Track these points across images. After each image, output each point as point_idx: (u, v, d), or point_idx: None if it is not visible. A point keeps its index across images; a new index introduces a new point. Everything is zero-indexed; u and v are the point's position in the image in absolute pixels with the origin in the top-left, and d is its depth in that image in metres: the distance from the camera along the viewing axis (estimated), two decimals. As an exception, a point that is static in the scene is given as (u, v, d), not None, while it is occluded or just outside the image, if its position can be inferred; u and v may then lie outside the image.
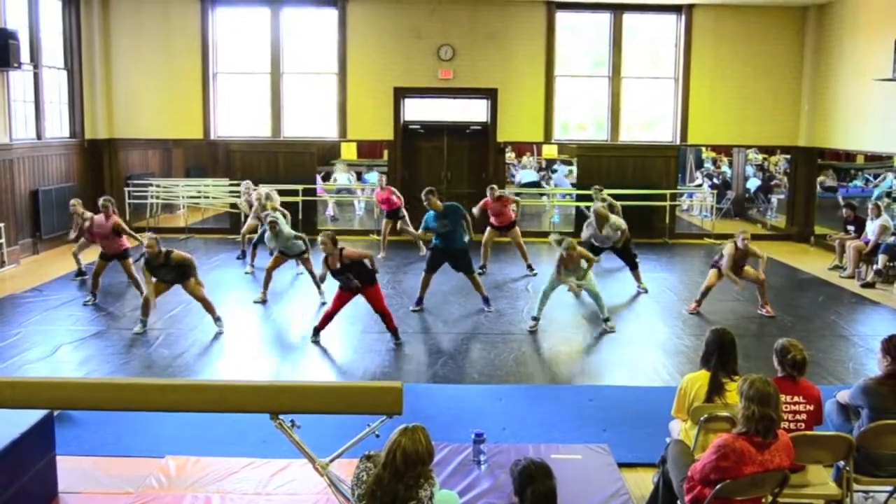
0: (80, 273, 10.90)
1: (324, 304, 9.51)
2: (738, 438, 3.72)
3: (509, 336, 8.48)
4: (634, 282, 10.66)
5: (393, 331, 8.12)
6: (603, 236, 10.28)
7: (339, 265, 7.68)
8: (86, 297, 9.72)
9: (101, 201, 9.80)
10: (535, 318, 8.72)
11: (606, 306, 8.84)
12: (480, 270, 11.28)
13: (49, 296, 9.97)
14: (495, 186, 11.88)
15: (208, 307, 8.50)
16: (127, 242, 9.89)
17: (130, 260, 9.73)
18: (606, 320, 8.73)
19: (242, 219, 13.36)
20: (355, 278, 7.77)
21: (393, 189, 12.95)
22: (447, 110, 15.24)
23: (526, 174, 19.19)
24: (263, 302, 9.76)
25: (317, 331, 8.18)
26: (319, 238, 7.73)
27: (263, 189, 12.20)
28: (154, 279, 8.25)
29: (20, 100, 12.60)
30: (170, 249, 8.22)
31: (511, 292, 10.55)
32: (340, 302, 8.04)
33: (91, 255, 10.86)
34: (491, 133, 14.92)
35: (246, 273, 11.51)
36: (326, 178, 18.13)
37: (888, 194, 15.90)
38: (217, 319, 8.54)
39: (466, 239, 9.51)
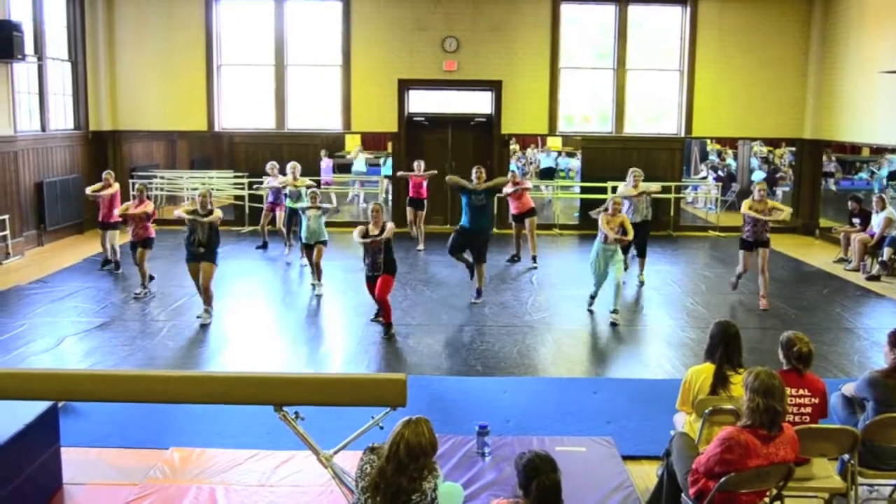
0: (106, 262, 10.95)
1: (320, 296, 9.67)
2: (743, 431, 3.71)
3: (514, 328, 8.47)
4: (637, 270, 10.71)
5: (387, 324, 8.11)
6: (634, 201, 10.44)
7: (378, 232, 7.84)
8: (135, 288, 9.76)
9: (136, 186, 10.15)
10: (592, 297, 8.96)
11: (620, 298, 8.87)
12: (515, 259, 11.89)
13: (54, 287, 9.98)
14: (515, 171, 12.12)
15: (209, 296, 8.54)
16: (153, 231, 9.80)
17: (147, 252, 9.65)
18: (614, 311, 8.69)
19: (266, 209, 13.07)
20: (383, 255, 7.87)
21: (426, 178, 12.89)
22: (451, 102, 15.21)
23: (545, 159, 19.21)
24: (317, 291, 9.87)
25: (378, 315, 8.35)
26: (372, 206, 8.12)
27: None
28: (189, 241, 8.45)
29: (24, 91, 12.60)
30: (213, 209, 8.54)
31: (516, 285, 10.54)
32: (370, 288, 8.20)
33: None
34: (495, 125, 14.88)
35: (286, 254, 12.04)
36: (344, 169, 18.05)
37: (890, 181, 15.81)
38: (207, 310, 8.54)
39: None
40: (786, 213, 9.35)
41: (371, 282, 8.07)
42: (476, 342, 8.02)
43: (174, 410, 5.80)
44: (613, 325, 8.57)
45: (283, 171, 12.32)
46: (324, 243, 9.90)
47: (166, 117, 14.93)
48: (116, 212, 10.25)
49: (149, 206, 9.73)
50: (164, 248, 12.07)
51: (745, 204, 9.26)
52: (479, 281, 9.52)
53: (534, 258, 11.68)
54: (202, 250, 8.40)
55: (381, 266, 7.90)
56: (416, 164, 12.95)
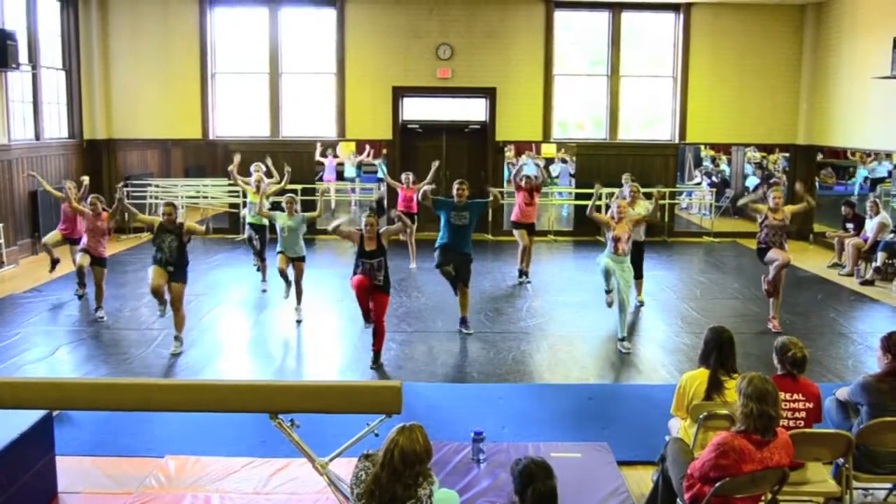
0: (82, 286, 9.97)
1: (300, 321, 8.92)
2: (738, 436, 3.72)
3: (509, 335, 8.47)
4: (635, 292, 9.88)
5: (377, 351, 7.47)
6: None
7: (375, 246, 7.24)
8: (94, 310, 9.13)
9: (89, 200, 9.17)
10: (608, 291, 8.46)
11: (626, 322, 8.15)
12: (524, 278, 11.07)
13: (48, 296, 9.96)
14: (530, 176, 11.41)
15: (180, 321, 7.84)
16: (105, 250, 9.19)
17: (105, 271, 9.11)
18: (622, 339, 8.05)
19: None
20: (381, 271, 7.27)
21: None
22: (446, 109, 15.24)
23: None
24: (298, 317, 9.02)
25: (367, 318, 7.48)
26: (365, 219, 7.28)
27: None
28: (156, 260, 7.65)
29: (18, 100, 12.59)
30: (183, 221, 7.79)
31: (511, 291, 10.54)
32: (363, 289, 7.30)
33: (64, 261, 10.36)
34: (490, 132, 14.93)
35: (264, 291, 10.35)
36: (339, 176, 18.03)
37: (877, 185, 15.84)
38: (177, 337, 7.85)
39: (490, 199, 8.93)
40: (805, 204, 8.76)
41: (366, 280, 7.25)
42: (471, 349, 8.02)
43: (169, 419, 5.78)
44: (626, 353, 7.94)
45: (268, 174, 11.29)
46: (302, 259, 9.01)
47: (161, 126, 14.94)
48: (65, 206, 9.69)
49: (110, 217, 8.95)
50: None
51: (765, 213, 8.62)
52: (463, 308, 8.63)
53: (520, 271, 11.17)
54: (171, 269, 7.66)
55: (380, 281, 7.30)
56: (403, 175, 12.26)
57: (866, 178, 16.78)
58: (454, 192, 8.63)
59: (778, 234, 8.61)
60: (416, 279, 11.12)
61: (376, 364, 7.43)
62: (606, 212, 9.08)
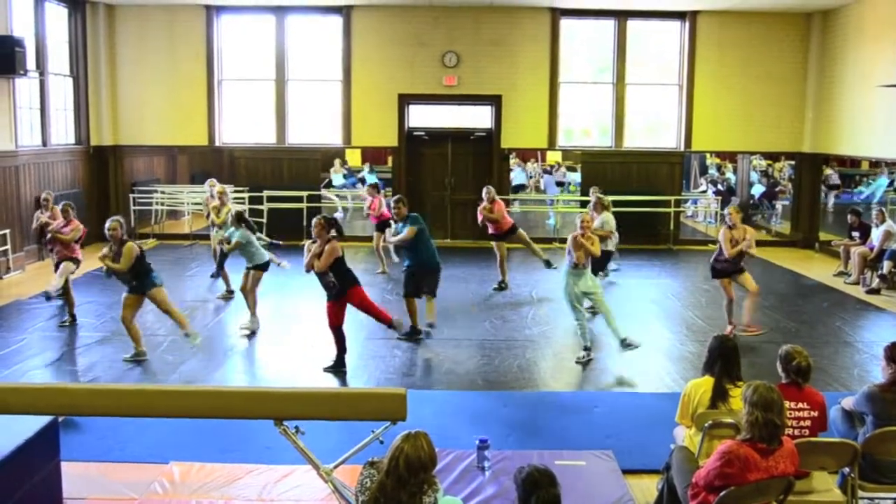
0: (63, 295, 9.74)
1: (253, 333, 8.74)
2: (743, 445, 3.72)
3: (513, 343, 8.47)
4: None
5: (388, 322, 7.58)
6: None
7: (320, 251, 7.08)
8: (64, 317, 9.06)
9: (61, 205, 9.07)
10: (587, 349, 7.88)
11: (618, 324, 7.90)
12: (501, 286, 10.88)
13: (54, 302, 9.95)
14: (491, 188, 10.97)
15: (177, 320, 7.75)
16: (80, 253, 9.08)
17: (71, 265, 8.92)
18: (623, 341, 7.78)
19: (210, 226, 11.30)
20: (335, 278, 7.18)
21: (382, 199, 11.88)
22: (451, 117, 15.27)
23: (517, 175, 19.25)
24: (252, 333, 8.78)
25: (339, 361, 7.46)
26: (315, 220, 7.25)
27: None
28: (124, 290, 7.60)
29: (26, 107, 12.65)
30: (127, 239, 7.52)
31: (515, 299, 10.53)
32: (336, 314, 7.36)
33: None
34: (495, 139, 14.93)
35: (219, 298, 10.36)
36: (327, 185, 18.22)
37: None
38: (187, 334, 7.77)
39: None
40: (754, 250, 8.44)
41: (336, 304, 7.33)
42: (476, 356, 8.02)
43: (174, 425, 5.78)
44: (629, 346, 7.76)
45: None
46: (256, 268, 8.88)
47: (167, 132, 15.00)
48: (35, 224, 10.02)
49: (77, 229, 8.87)
50: (164, 262, 12.09)
51: (725, 236, 8.38)
52: (430, 314, 8.63)
53: (547, 262, 10.98)
54: (134, 283, 7.49)
55: (332, 282, 7.21)
56: (367, 187, 12.11)
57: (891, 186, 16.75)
58: (392, 211, 8.70)
59: (738, 256, 8.35)
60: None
61: (403, 336, 8.03)
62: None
